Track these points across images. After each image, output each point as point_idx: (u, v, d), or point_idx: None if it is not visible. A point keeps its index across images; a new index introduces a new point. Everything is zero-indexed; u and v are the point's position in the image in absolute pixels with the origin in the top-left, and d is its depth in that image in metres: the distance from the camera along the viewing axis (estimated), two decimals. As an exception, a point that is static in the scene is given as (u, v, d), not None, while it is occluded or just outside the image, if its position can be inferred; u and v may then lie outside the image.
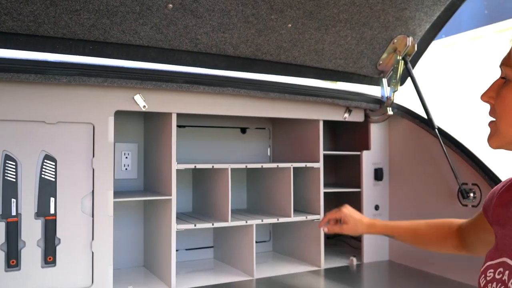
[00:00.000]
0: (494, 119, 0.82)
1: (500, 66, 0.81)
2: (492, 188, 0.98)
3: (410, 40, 1.78)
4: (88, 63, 1.37)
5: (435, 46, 5.94)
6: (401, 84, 1.91)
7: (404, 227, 1.28)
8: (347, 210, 1.42)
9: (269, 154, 2.19)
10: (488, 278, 0.83)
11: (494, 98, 0.81)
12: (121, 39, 1.42)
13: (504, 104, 0.78)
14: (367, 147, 2.00)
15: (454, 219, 1.19)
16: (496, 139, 0.82)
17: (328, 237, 2.24)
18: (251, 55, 1.64)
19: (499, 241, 0.85)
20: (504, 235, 0.83)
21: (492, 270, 0.83)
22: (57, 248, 1.39)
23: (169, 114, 1.57)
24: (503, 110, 0.79)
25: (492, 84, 0.83)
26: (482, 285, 0.84)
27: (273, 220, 1.78)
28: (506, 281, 0.78)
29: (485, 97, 0.83)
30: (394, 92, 1.87)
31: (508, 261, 0.80)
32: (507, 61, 0.78)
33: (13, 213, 1.33)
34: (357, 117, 1.96)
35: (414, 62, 1.88)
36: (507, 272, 0.79)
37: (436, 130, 1.72)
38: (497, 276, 0.81)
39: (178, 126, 1.92)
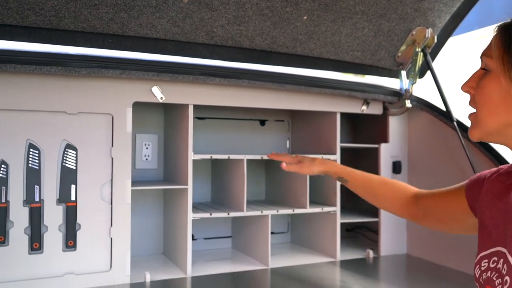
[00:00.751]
0: (474, 111, 0.82)
1: (481, 57, 0.81)
2: None
3: (429, 31, 1.75)
4: (106, 56, 1.42)
5: (465, 38, 5.78)
6: (421, 76, 1.89)
7: (359, 175, 1.28)
8: (299, 156, 1.42)
9: (288, 146, 2.20)
10: (482, 268, 0.83)
11: (474, 89, 0.81)
12: (139, 33, 1.46)
13: (484, 93, 0.78)
14: (385, 139, 1.98)
15: (409, 186, 1.19)
16: (476, 130, 0.82)
17: (346, 229, 2.24)
18: (267, 48, 1.66)
19: (491, 231, 0.85)
20: (496, 225, 0.83)
21: (486, 260, 0.83)
22: (78, 233, 1.45)
23: (186, 106, 1.61)
24: (482, 100, 0.79)
25: (473, 75, 0.83)
26: (477, 275, 0.84)
27: (289, 211, 1.80)
28: (501, 269, 0.78)
29: (465, 87, 0.83)
30: (412, 84, 1.85)
31: (502, 249, 0.80)
32: (487, 52, 0.78)
33: (36, 199, 1.40)
34: (375, 109, 1.94)
35: (434, 54, 1.85)
36: (501, 260, 0.79)
37: (455, 122, 1.69)
38: (491, 265, 0.81)
39: (198, 118, 1.97)
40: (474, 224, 0.96)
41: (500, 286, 0.76)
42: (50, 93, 1.41)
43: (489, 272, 0.81)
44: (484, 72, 0.80)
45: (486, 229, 0.87)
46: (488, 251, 0.84)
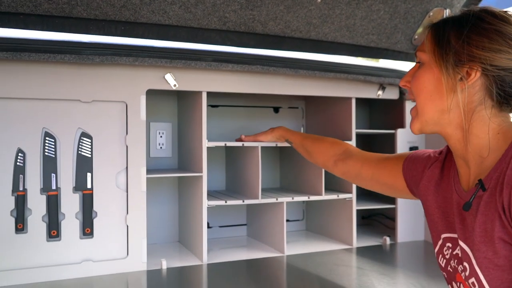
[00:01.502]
0: (414, 105, 0.88)
1: (415, 53, 0.89)
2: None
3: (447, 12, 1.70)
4: (119, 43, 1.42)
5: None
6: (438, 59, 1.85)
7: (299, 135, 1.53)
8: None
9: (302, 133, 2.18)
10: (447, 257, 0.86)
11: (410, 82, 0.88)
12: (151, 19, 1.45)
13: (419, 83, 0.85)
14: (402, 125, 1.95)
15: (342, 143, 1.35)
16: (416, 122, 0.87)
17: (362, 217, 2.22)
18: (280, 33, 1.63)
19: (436, 220, 0.89)
20: (445, 213, 0.88)
21: (446, 248, 0.86)
22: (94, 220, 1.46)
23: (200, 93, 1.60)
24: (418, 89, 0.85)
25: (409, 71, 0.91)
26: (443, 265, 0.85)
27: (304, 198, 1.79)
28: (459, 255, 0.81)
29: (402, 82, 0.92)
30: (430, 67, 1.81)
31: (453, 235, 0.84)
32: (421, 47, 0.87)
33: (53, 187, 1.41)
34: (391, 94, 1.91)
35: (451, 36, 1.80)
36: (458, 247, 0.82)
37: (474, 106, 1.65)
38: (453, 252, 0.84)
39: (212, 106, 1.97)
40: (405, 195, 1.05)
41: (463, 273, 0.79)
42: (65, 82, 1.41)
43: (453, 259, 0.84)
44: (418, 66, 0.88)
45: (432, 218, 0.91)
46: (443, 237, 0.87)
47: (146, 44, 1.47)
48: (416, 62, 0.89)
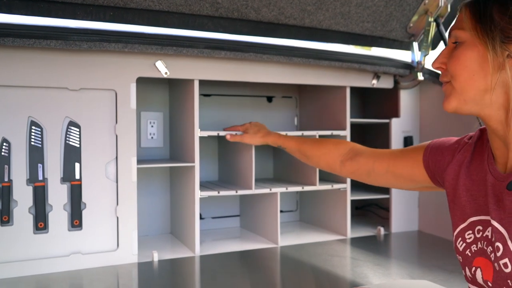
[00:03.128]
0: (448, 82, 0.83)
1: (450, 32, 0.84)
2: None
3: (442, 0, 1.68)
4: (108, 29, 1.37)
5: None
6: (433, 48, 1.83)
7: (294, 139, 1.44)
8: (252, 123, 1.62)
9: (296, 123, 2.15)
10: (468, 241, 0.83)
11: (445, 63, 0.84)
12: (141, 5, 1.41)
13: (458, 62, 0.80)
14: (396, 114, 1.93)
15: (345, 142, 1.28)
16: (453, 99, 0.82)
17: (356, 207, 2.21)
18: (274, 20, 1.60)
19: (467, 202, 0.86)
20: (474, 196, 0.85)
21: (470, 231, 0.83)
22: (83, 212, 1.42)
23: (192, 81, 1.56)
24: (457, 68, 0.81)
25: (442, 52, 0.86)
26: (461, 248, 0.84)
27: (298, 189, 1.76)
28: (490, 237, 0.79)
29: (436, 63, 0.86)
30: (425, 56, 1.78)
31: (485, 218, 0.81)
32: (458, 25, 0.82)
33: (40, 177, 1.37)
34: (386, 83, 1.89)
35: (447, 24, 1.77)
36: (489, 228, 0.79)
37: (470, 95, 1.64)
38: (477, 235, 0.82)
39: (204, 95, 1.93)
40: (422, 186, 1.02)
41: (493, 254, 0.77)
42: (51, 69, 1.37)
43: (479, 242, 0.81)
44: (454, 46, 0.83)
45: (459, 201, 0.87)
46: (467, 223, 0.84)
47: (136, 31, 1.42)
48: (452, 42, 0.83)
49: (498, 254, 0.75)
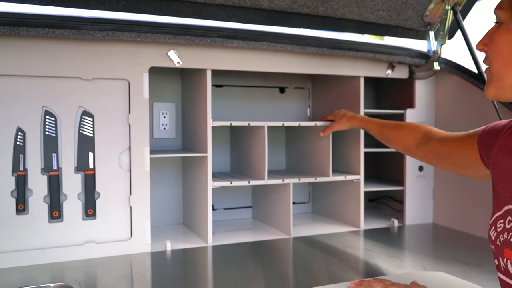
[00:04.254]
0: (488, 67, 0.80)
1: (494, 11, 0.79)
2: None
3: (460, -12, 1.64)
4: (121, 19, 1.37)
5: None
6: (450, 37, 1.79)
7: (376, 122, 1.48)
8: (336, 111, 1.71)
9: (308, 114, 2.14)
10: (498, 230, 0.79)
11: (487, 45, 0.80)
12: (154, -7, 1.40)
13: (496, 46, 0.77)
14: (411, 105, 1.90)
15: (422, 125, 1.29)
16: (492, 86, 0.79)
17: (369, 199, 2.19)
18: (287, 8, 1.58)
19: (501, 190, 0.81)
20: (508, 182, 0.80)
21: (501, 221, 0.79)
22: (97, 201, 1.43)
23: (204, 71, 1.55)
24: (495, 52, 0.77)
25: (487, 32, 0.81)
26: (493, 237, 0.80)
27: (311, 180, 1.75)
28: None
29: (480, 45, 0.82)
30: (441, 45, 1.75)
31: None
32: (499, 4, 0.77)
33: (55, 167, 1.38)
34: (401, 73, 1.86)
35: (464, 12, 1.74)
36: None
37: (487, 84, 1.60)
38: (507, 226, 0.77)
39: (216, 85, 1.92)
40: (486, 173, 0.95)
41: None
42: (65, 59, 1.37)
43: (506, 233, 0.76)
44: (497, 26, 0.78)
45: (498, 188, 0.83)
46: (503, 211, 0.80)
47: (148, 20, 1.42)
48: (495, 22, 0.80)
49: None
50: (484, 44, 0.81)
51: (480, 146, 0.95)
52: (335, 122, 1.68)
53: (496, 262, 0.80)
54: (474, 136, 0.99)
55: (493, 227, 0.81)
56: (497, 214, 0.82)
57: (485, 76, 0.82)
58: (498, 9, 0.77)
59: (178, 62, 1.49)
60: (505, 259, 0.77)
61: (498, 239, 0.79)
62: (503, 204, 0.81)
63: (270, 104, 2.05)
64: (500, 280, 0.79)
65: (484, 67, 0.85)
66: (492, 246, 0.81)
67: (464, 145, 1.03)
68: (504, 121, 0.91)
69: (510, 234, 0.76)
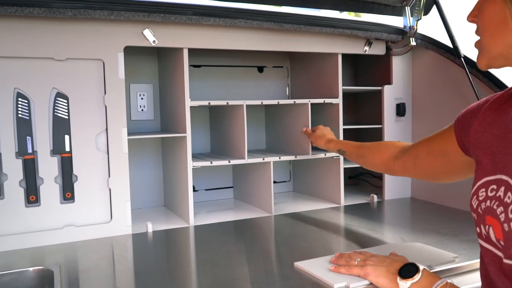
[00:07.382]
0: (478, 39, 0.81)
1: None
2: None
3: (435, -38, 1.64)
4: (93, -4, 1.33)
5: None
6: (426, 13, 1.79)
7: (353, 144, 1.50)
8: (320, 127, 1.72)
9: (287, 93, 2.13)
10: (480, 198, 0.81)
11: (477, 16, 0.81)
12: (126, -30, 1.36)
13: (484, 18, 0.78)
14: (388, 81, 1.92)
15: (399, 142, 1.30)
16: (483, 57, 0.81)
17: (349, 177, 2.21)
18: (263, -15, 1.56)
19: (486, 159, 0.83)
20: (493, 153, 0.81)
21: (483, 189, 0.81)
22: (75, 184, 1.41)
23: (181, 50, 1.53)
24: (483, 25, 0.78)
25: (476, 4, 0.82)
26: (474, 206, 0.82)
27: (291, 158, 1.75)
28: (502, 197, 0.76)
29: (470, 17, 0.83)
30: (417, 21, 1.75)
31: (502, 177, 0.77)
32: None
33: (29, 150, 1.35)
34: (378, 49, 1.86)
35: (440, -13, 1.74)
36: (502, 188, 0.76)
37: (462, 59, 1.62)
38: (490, 194, 0.79)
39: (193, 66, 1.89)
40: (464, 161, 0.97)
41: (502, 214, 0.74)
42: (36, 38, 1.33)
43: (488, 201, 0.78)
44: None
45: (481, 160, 0.84)
46: (483, 180, 0.82)
47: (121, -3, 1.38)
48: None
49: (511, 215, 0.72)
50: (474, 15, 0.82)
51: (457, 131, 0.96)
52: (314, 135, 1.69)
53: (478, 230, 0.82)
54: (450, 127, 1.00)
55: (474, 196, 0.82)
56: (478, 183, 0.83)
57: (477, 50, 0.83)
58: None
59: (154, 41, 1.46)
60: (486, 226, 0.78)
61: (480, 207, 0.80)
62: (485, 175, 0.82)
63: (249, 83, 2.04)
64: (482, 247, 0.81)
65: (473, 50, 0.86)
66: (474, 214, 0.83)
67: (440, 138, 1.03)
68: (479, 101, 0.92)
69: (493, 201, 0.77)
